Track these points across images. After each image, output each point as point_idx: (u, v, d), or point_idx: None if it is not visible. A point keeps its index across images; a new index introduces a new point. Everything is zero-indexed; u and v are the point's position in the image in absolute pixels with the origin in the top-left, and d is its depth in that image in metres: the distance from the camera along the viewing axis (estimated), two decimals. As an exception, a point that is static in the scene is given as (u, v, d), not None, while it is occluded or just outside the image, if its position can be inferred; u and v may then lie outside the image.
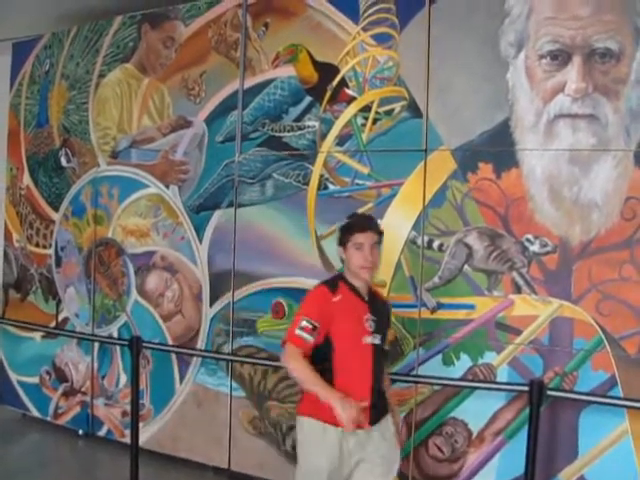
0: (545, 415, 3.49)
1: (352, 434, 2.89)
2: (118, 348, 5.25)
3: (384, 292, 4.03)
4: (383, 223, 4.01)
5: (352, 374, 2.97)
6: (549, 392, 3.40)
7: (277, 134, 4.49)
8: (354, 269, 3.04)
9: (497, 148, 3.75)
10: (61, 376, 5.66)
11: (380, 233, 3.11)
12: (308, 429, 3.01)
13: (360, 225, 3.07)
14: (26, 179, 5.98)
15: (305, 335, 2.92)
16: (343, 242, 3.08)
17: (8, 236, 6.15)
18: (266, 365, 4.48)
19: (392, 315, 3.38)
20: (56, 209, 5.75)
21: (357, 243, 3.01)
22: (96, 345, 5.41)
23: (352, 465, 2.97)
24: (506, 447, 3.74)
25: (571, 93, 3.53)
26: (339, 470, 2.95)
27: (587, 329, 3.52)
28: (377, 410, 3.01)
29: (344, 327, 2.99)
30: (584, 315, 3.53)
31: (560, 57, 3.56)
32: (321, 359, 2.97)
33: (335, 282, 3.09)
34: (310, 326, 2.93)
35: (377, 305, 3.11)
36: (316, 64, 4.35)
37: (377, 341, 3.02)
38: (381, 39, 4.13)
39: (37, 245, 5.90)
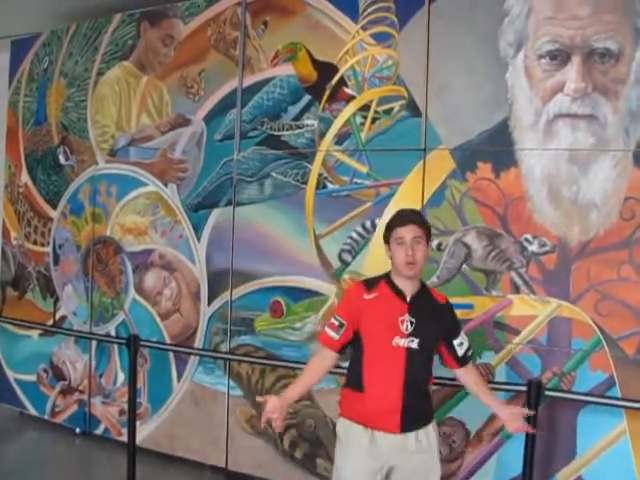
0: (543, 415, 3.48)
1: (382, 436, 2.87)
2: (116, 346, 5.25)
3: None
4: (382, 222, 4.01)
5: (379, 374, 2.89)
6: (547, 392, 3.39)
7: (276, 133, 4.48)
8: (397, 266, 2.91)
9: (496, 148, 3.75)
10: (58, 374, 5.65)
11: (425, 228, 2.95)
12: (339, 427, 3.03)
13: (400, 219, 2.94)
14: (24, 177, 5.98)
15: (331, 332, 2.95)
16: (387, 239, 2.97)
17: (6, 234, 6.14)
18: (264, 364, 4.48)
19: (453, 312, 3.10)
20: (54, 207, 5.74)
21: (398, 238, 2.89)
22: (94, 343, 5.40)
23: (385, 470, 2.91)
24: (504, 447, 3.74)
25: (570, 93, 3.53)
26: (369, 469, 2.89)
27: (585, 329, 3.52)
28: (411, 417, 2.89)
29: (372, 326, 2.91)
30: (582, 315, 3.52)
31: (559, 57, 3.56)
32: (355, 353, 2.98)
33: (376, 280, 3.01)
34: (337, 323, 2.94)
35: (424, 306, 2.93)
36: (315, 63, 4.35)
37: (414, 345, 2.85)
38: (380, 38, 4.13)
39: (35, 243, 5.89)
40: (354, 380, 2.97)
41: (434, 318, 2.94)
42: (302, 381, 3.02)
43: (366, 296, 2.93)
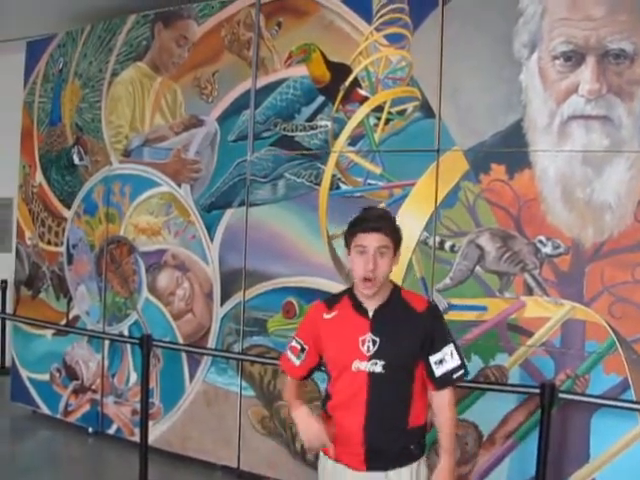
0: (556, 418, 3.47)
1: (343, 472, 2.52)
2: (128, 346, 5.26)
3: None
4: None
5: (341, 404, 2.53)
6: (561, 395, 3.38)
7: (289, 133, 4.48)
8: (355, 277, 2.51)
9: (510, 149, 3.74)
10: (71, 374, 5.68)
11: (395, 236, 2.50)
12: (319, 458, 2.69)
13: (364, 223, 2.46)
14: (39, 177, 6.01)
15: (292, 357, 2.64)
16: (347, 242, 2.53)
17: (20, 233, 6.18)
18: (276, 365, 4.47)
19: (438, 321, 2.63)
20: (68, 207, 5.77)
21: (359, 246, 2.44)
22: (106, 343, 5.42)
23: None
24: (517, 449, 3.72)
25: (585, 94, 3.51)
26: None
27: (599, 331, 3.50)
28: (379, 454, 2.49)
29: (331, 350, 2.56)
30: (596, 317, 3.50)
31: (574, 58, 3.55)
32: (327, 374, 2.66)
33: (338, 296, 2.65)
34: (298, 346, 2.63)
35: (392, 320, 2.50)
36: (329, 64, 4.35)
37: (377, 368, 2.44)
38: (394, 39, 4.12)
39: (49, 243, 5.92)
40: (324, 402, 2.67)
41: (406, 333, 2.50)
42: (292, 400, 2.69)
43: (325, 315, 2.57)
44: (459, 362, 2.54)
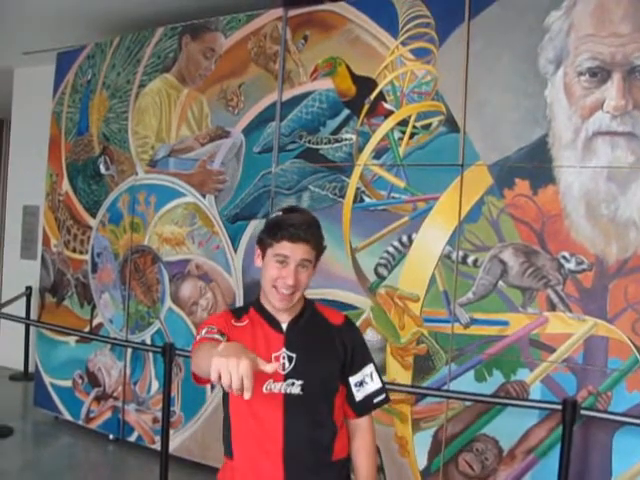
0: (578, 435, 3.45)
1: None
2: (151, 355, 5.30)
3: (416, 307, 4.03)
4: (418, 237, 4.03)
5: (249, 435, 2.12)
6: (583, 411, 3.36)
7: (314, 146, 4.51)
8: (265, 288, 2.16)
9: (534, 164, 3.74)
10: (93, 381, 5.72)
11: (320, 249, 2.20)
12: None
13: (292, 231, 2.09)
14: (65, 185, 6.08)
15: (216, 335, 2.01)
16: (263, 244, 2.17)
17: (46, 241, 6.25)
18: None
19: (357, 336, 2.33)
20: (93, 215, 5.83)
21: (280, 255, 2.10)
22: (129, 351, 5.46)
23: None
24: (537, 466, 3.70)
25: (610, 110, 3.51)
26: None
27: (622, 349, 3.48)
28: None
29: None
30: (619, 334, 3.49)
31: (599, 74, 3.55)
32: (223, 403, 2.23)
33: (243, 308, 2.31)
34: (215, 330, 2.05)
35: (309, 334, 2.19)
36: (354, 77, 4.38)
37: (295, 389, 2.08)
38: (420, 53, 4.15)
39: (74, 250, 5.99)
40: (224, 442, 2.22)
41: (325, 349, 2.19)
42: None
43: (235, 322, 2.18)
44: (380, 385, 2.26)
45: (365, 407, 2.24)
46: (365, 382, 2.23)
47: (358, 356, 2.24)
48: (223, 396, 2.21)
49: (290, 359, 2.11)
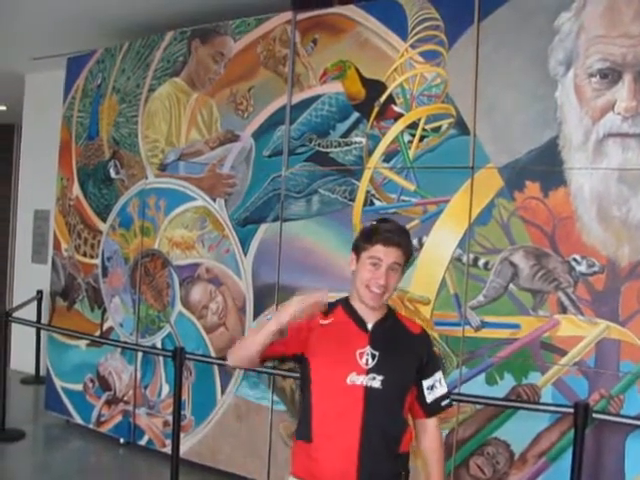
0: (590, 438, 3.43)
1: None
2: (161, 358, 5.30)
3: (427, 310, 4.02)
4: (428, 240, 4.02)
5: (330, 422, 2.33)
6: (595, 414, 3.34)
7: (324, 149, 4.51)
8: (359, 288, 2.37)
9: (545, 167, 3.72)
10: (104, 384, 5.73)
11: (409, 255, 2.41)
12: None
13: (386, 236, 2.33)
14: (76, 190, 6.10)
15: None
16: (358, 249, 2.40)
17: (57, 245, 6.27)
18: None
19: (430, 346, 2.56)
20: (104, 220, 5.85)
21: (374, 257, 2.32)
22: (139, 355, 5.47)
23: None
24: (549, 470, 3.68)
25: (621, 112, 3.49)
26: None
27: (634, 351, 3.46)
28: None
29: (323, 358, 2.36)
30: (632, 337, 3.46)
31: (610, 75, 3.53)
32: (303, 393, 2.45)
33: (333, 304, 2.48)
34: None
35: (391, 337, 2.41)
36: (364, 80, 4.37)
37: (375, 383, 2.30)
38: (429, 56, 4.14)
39: (84, 255, 6.00)
40: (302, 427, 2.42)
41: (404, 351, 2.41)
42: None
43: (322, 321, 2.40)
44: (446, 390, 2.51)
45: (434, 409, 2.48)
46: (435, 386, 2.46)
47: (431, 363, 2.48)
48: (302, 384, 2.46)
49: (373, 356, 2.33)
